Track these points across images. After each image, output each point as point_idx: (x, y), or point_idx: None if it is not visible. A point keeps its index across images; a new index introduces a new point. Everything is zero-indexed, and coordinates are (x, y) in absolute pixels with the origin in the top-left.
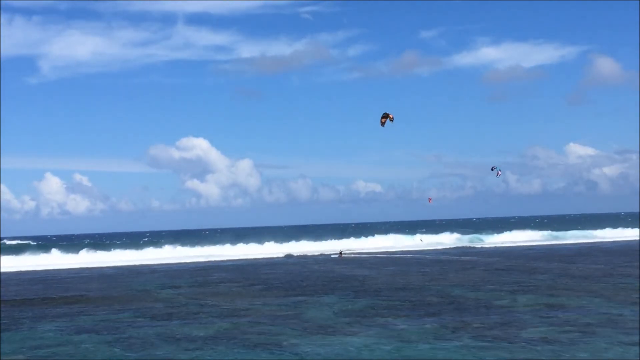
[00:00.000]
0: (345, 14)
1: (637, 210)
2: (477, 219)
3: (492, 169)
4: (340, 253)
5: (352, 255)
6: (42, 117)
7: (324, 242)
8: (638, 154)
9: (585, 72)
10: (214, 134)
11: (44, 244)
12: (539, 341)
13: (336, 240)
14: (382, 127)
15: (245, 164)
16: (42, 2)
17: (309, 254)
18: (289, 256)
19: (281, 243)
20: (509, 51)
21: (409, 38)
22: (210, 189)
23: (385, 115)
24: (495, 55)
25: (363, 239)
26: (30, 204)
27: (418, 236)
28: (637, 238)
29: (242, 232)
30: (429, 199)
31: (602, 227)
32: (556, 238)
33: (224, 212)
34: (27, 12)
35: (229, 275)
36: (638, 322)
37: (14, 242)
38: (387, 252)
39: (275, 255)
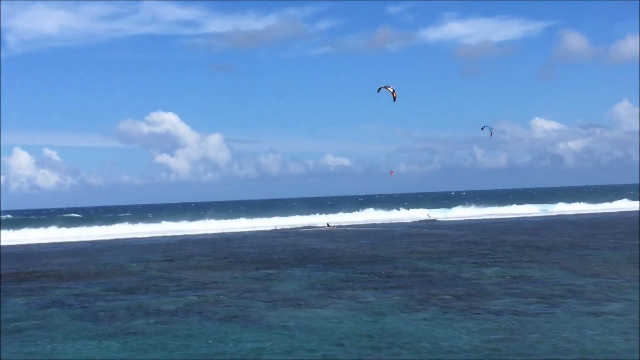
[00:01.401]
0: None
1: (602, 184)
2: (445, 192)
3: (482, 128)
4: (328, 225)
5: (339, 227)
6: (9, 91)
7: (311, 215)
8: (602, 129)
9: (555, 47)
10: (184, 108)
11: (13, 218)
12: (504, 312)
13: (324, 215)
14: (376, 92)
15: (215, 139)
16: None
17: (298, 226)
18: (309, 227)
19: (262, 217)
20: (475, 27)
21: (377, 12)
22: (180, 164)
23: (388, 88)
24: (462, 30)
25: (347, 213)
26: None
27: (423, 211)
28: (600, 211)
29: (212, 206)
30: (391, 172)
31: (568, 201)
32: (521, 210)
33: (194, 186)
34: None
35: (200, 249)
36: (599, 293)
37: None
38: (367, 224)
39: (252, 229)
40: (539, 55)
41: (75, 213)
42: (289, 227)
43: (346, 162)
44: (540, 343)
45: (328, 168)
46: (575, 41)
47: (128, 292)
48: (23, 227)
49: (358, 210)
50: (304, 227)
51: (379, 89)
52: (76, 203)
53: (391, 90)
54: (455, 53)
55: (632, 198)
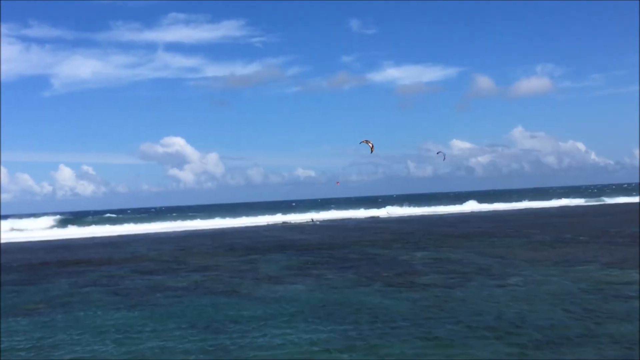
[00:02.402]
0: (286, 43)
1: (504, 188)
2: (386, 196)
3: (437, 153)
4: (312, 220)
5: (320, 222)
6: (57, 122)
7: (298, 214)
8: (503, 147)
9: (469, 86)
10: (189, 134)
11: (62, 218)
12: (432, 285)
13: (309, 213)
14: (366, 144)
15: (213, 157)
16: (52, 34)
17: (278, 222)
18: (285, 223)
19: (249, 216)
20: (407, 71)
21: (334, 61)
22: (187, 176)
23: (368, 143)
24: (397, 74)
25: (325, 211)
26: (48, 188)
27: (384, 209)
28: (504, 209)
29: (212, 208)
30: (337, 182)
31: (480, 200)
32: (443, 209)
33: (198, 192)
34: (41, 41)
35: (202, 240)
36: (502, 270)
37: (36, 219)
38: (328, 219)
39: (242, 225)
40: (457, 92)
41: (107, 214)
42: (269, 223)
43: (312, 173)
44: (460, 308)
45: (299, 178)
46: (484, 82)
47: (148, 274)
48: (68, 225)
49: (323, 210)
50: (283, 223)
51: (361, 142)
52: (108, 206)
53: (370, 145)
54: (395, 91)
55: (524, 200)
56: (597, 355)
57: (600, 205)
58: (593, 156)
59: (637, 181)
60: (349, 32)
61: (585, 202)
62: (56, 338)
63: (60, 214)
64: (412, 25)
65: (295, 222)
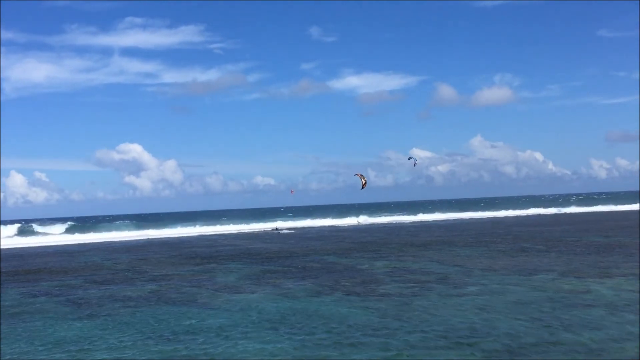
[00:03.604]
0: (245, 49)
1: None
2: (348, 204)
3: (409, 159)
4: (276, 229)
5: (284, 231)
6: (7, 127)
7: (259, 222)
8: (462, 156)
9: (432, 95)
10: (146, 140)
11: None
12: (391, 294)
13: (270, 222)
14: (362, 186)
15: (171, 164)
16: (4, 36)
17: (255, 230)
18: (270, 232)
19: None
20: (367, 79)
21: (294, 68)
22: (144, 183)
23: (362, 178)
24: (358, 82)
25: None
26: None
27: (355, 218)
28: (463, 218)
29: (169, 216)
30: (292, 191)
31: (439, 210)
32: (404, 217)
33: (155, 200)
34: None
35: (160, 249)
36: (460, 279)
37: None
38: (288, 228)
39: (200, 234)
40: (418, 101)
41: (60, 223)
42: (227, 232)
43: (272, 181)
44: (419, 318)
45: (258, 186)
46: (446, 91)
47: (102, 283)
48: (21, 234)
49: (284, 219)
50: (241, 232)
51: (355, 174)
52: (60, 214)
53: (363, 182)
54: (357, 99)
55: (483, 209)
56: None
57: (557, 214)
58: (550, 166)
59: (594, 191)
60: (309, 39)
61: (543, 211)
62: (4, 352)
63: (10, 222)
64: (372, 33)
65: (256, 231)
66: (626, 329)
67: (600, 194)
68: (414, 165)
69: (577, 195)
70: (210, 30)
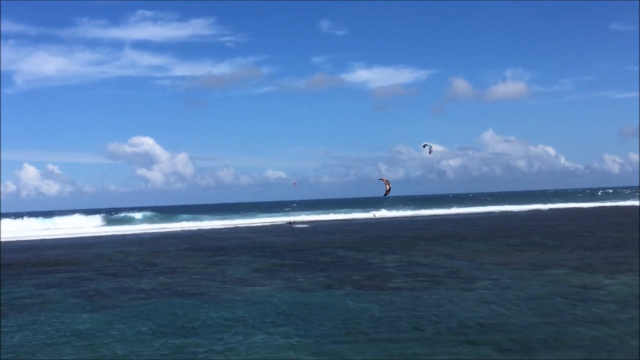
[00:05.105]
0: (255, 43)
1: (474, 191)
2: (358, 197)
3: (423, 146)
4: (290, 223)
5: (298, 225)
6: (19, 120)
7: (271, 216)
8: (473, 150)
9: (446, 89)
10: (158, 133)
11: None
12: (401, 288)
13: (280, 214)
14: (385, 192)
15: (183, 157)
16: (15, 29)
17: (267, 223)
18: (255, 225)
19: (220, 219)
20: (378, 73)
21: (304, 62)
22: (155, 176)
23: (387, 184)
24: (368, 76)
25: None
26: (12, 187)
27: (372, 213)
28: (475, 212)
29: (181, 209)
30: (294, 183)
31: (451, 204)
32: (417, 212)
33: (166, 193)
34: (3, 37)
35: (173, 242)
36: (470, 274)
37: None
38: (299, 221)
39: (211, 227)
40: (431, 95)
41: (72, 214)
42: (240, 225)
43: (283, 175)
44: (428, 312)
45: (269, 179)
46: (461, 85)
47: (114, 275)
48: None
49: (294, 213)
50: (252, 225)
51: (380, 179)
52: (74, 206)
53: (388, 188)
54: (371, 92)
55: (495, 204)
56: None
57: (569, 209)
58: (563, 160)
59: (606, 185)
60: (319, 33)
61: (555, 206)
62: (14, 342)
63: (26, 214)
64: (382, 27)
65: (267, 224)
66: (638, 325)
67: (613, 188)
68: (430, 152)
69: (590, 190)
70: (220, 24)
